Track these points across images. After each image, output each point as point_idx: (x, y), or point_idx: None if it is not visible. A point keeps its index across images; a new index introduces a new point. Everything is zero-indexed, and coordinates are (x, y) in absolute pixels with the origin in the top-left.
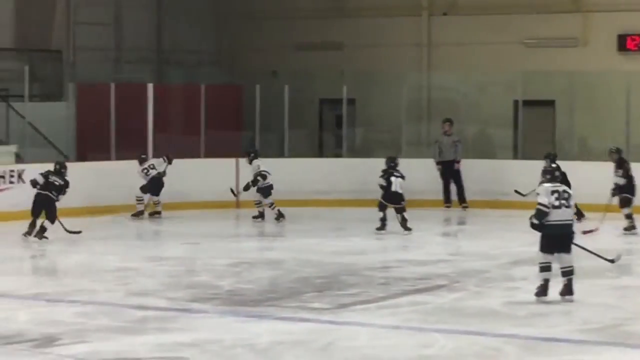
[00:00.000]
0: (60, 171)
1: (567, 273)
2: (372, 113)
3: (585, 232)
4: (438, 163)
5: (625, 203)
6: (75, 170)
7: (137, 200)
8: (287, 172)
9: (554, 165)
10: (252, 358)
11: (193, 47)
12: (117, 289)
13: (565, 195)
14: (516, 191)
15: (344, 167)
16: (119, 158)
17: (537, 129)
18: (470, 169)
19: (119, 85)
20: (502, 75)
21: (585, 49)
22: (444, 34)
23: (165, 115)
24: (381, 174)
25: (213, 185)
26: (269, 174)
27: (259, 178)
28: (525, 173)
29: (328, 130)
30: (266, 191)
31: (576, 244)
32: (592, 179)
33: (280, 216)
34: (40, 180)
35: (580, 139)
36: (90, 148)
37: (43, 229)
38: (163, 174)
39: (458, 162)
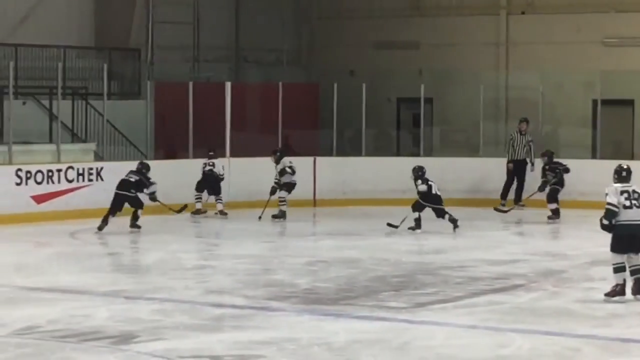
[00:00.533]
0: (141, 171)
1: (636, 272)
2: (450, 112)
3: None
4: (510, 162)
5: None
6: (153, 168)
7: (196, 198)
8: (363, 171)
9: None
10: (329, 356)
11: (270, 46)
12: (195, 287)
13: (636, 195)
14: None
15: None
16: (196, 156)
17: (616, 128)
18: None
19: (196, 84)
20: (581, 75)
21: None
22: (522, 33)
23: (243, 114)
24: (419, 182)
25: None
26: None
27: (287, 169)
28: (603, 173)
29: (405, 129)
30: (291, 187)
31: None
32: None
33: (280, 215)
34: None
35: None
36: (168, 146)
37: (135, 217)
38: (219, 175)
39: (532, 164)
